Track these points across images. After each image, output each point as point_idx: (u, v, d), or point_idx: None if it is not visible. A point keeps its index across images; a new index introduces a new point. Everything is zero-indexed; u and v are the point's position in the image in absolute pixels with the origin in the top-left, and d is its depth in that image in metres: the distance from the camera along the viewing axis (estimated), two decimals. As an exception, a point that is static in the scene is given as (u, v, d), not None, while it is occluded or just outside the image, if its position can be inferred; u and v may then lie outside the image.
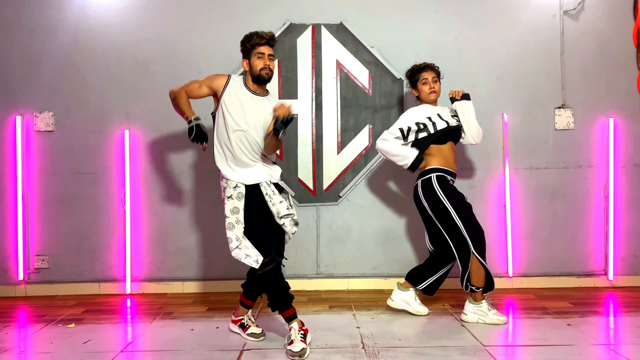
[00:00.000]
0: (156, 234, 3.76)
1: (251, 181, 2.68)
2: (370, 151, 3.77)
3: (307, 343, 2.56)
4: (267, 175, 2.72)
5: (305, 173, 3.77)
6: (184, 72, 3.72)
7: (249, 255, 2.60)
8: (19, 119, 3.66)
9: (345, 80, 3.76)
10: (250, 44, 2.71)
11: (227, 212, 2.64)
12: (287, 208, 2.70)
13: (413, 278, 3.20)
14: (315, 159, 3.77)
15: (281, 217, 2.68)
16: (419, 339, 2.74)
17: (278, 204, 2.68)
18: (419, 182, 3.06)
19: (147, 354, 2.61)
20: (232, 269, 3.77)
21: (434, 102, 3.14)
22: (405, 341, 2.70)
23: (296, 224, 2.78)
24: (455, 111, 3.13)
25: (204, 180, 3.74)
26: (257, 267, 2.58)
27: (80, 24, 3.70)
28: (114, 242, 3.74)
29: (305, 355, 2.48)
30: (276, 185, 2.77)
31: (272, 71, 2.72)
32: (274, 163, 2.83)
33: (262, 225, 2.66)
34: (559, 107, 3.78)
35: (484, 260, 2.96)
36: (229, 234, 2.62)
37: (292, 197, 3.74)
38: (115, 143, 3.73)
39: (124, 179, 3.71)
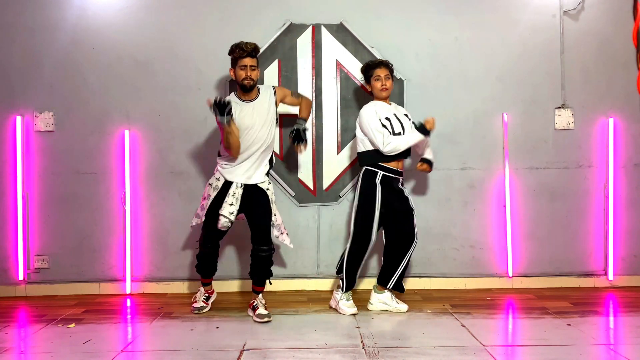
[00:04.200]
0: (156, 234, 3.76)
1: (229, 178, 3.07)
2: (370, 151, 3.77)
3: (209, 303, 3.31)
4: (244, 177, 3.08)
5: (305, 173, 3.77)
6: (184, 72, 3.73)
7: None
8: (19, 119, 3.66)
9: (345, 80, 3.76)
10: (233, 56, 3.06)
11: (205, 193, 3.19)
12: (230, 213, 3.03)
13: (381, 279, 3.28)
14: (315, 159, 3.77)
15: (220, 214, 3.04)
16: (419, 339, 2.74)
17: (228, 205, 3.03)
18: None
19: (147, 354, 2.61)
20: (232, 269, 3.78)
21: (385, 99, 3.25)
22: (405, 341, 2.70)
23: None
24: (407, 114, 3.30)
25: (204, 180, 3.74)
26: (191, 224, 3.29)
27: (80, 24, 3.70)
28: (114, 242, 3.74)
29: (204, 311, 3.23)
30: (255, 186, 3.11)
31: (253, 80, 3.06)
32: (271, 164, 3.21)
33: (216, 216, 3.07)
34: (559, 107, 3.78)
35: (350, 258, 3.23)
36: (199, 210, 3.21)
37: (293, 197, 3.74)
38: (115, 143, 3.73)
39: (124, 179, 3.71)
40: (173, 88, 3.73)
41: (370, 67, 3.24)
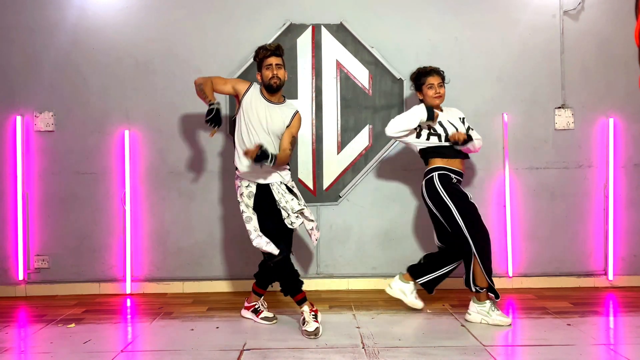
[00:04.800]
0: (156, 234, 3.76)
1: (262, 181, 2.93)
2: (370, 151, 3.77)
3: (319, 321, 2.84)
4: (277, 176, 2.95)
5: (305, 173, 3.77)
6: (184, 72, 3.73)
7: (269, 243, 2.84)
8: (19, 119, 3.66)
9: (345, 80, 3.76)
10: (258, 57, 2.95)
11: (243, 207, 2.93)
12: (299, 204, 2.94)
13: (413, 270, 3.20)
14: (315, 159, 3.77)
15: (294, 212, 2.91)
16: (419, 339, 2.74)
17: (290, 202, 2.92)
18: (423, 182, 3.10)
19: (147, 354, 2.61)
20: (232, 269, 3.78)
21: (438, 107, 3.13)
22: (405, 341, 2.70)
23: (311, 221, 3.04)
24: (463, 118, 3.20)
25: (204, 180, 3.74)
26: (276, 253, 2.83)
27: (80, 24, 3.70)
28: (114, 242, 3.74)
29: (320, 334, 2.77)
30: (286, 186, 2.98)
31: (280, 79, 2.93)
32: (287, 166, 3.04)
33: (271, 222, 2.90)
34: (559, 107, 3.78)
35: (487, 262, 2.95)
36: (247, 226, 2.89)
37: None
38: (115, 143, 3.73)
39: (124, 179, 3.71)
40: (173, 88, 3.73)
41: (422, 74, 3.11)
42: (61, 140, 3.71)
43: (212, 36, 3.73)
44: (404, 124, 3.04)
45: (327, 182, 3.78)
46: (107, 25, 3.71)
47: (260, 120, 2.91)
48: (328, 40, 3.75)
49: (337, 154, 3.78)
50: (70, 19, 3.70)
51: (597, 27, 3.78)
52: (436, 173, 3.04)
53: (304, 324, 2.82)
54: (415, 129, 3.07)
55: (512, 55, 3.78)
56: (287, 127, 2.98)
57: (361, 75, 3.76)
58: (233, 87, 2.98)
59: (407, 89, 3.74)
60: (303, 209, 2.94)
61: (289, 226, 2.91)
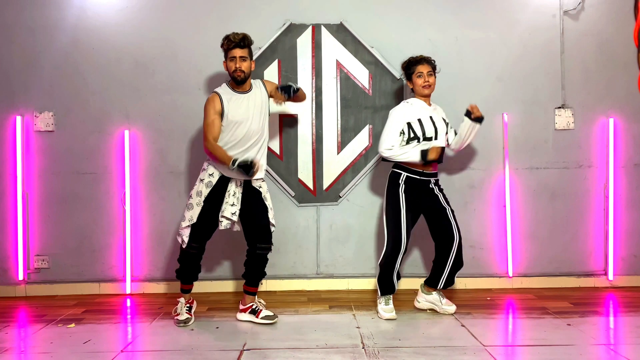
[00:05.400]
0: (156, 234, 3.76)
1: (225, 173, 2.96)
2: (370, 151, 3.77)
3: (192, 314, 3.08)
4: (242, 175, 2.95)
5: (305, 173, 3.77)
6: (184, 72, 3.73)
7: (187, 238, 3.01)
8: (19, 119, 3.66)
9: (345, 80, 3.76)
10: (223, 48, 2.95)
11: (193, 192, 3.00)
12: (233, 214, 2.97)
13: (430, 281, 3.23)
14: (315, 159, 3.77)
15: (223, 216, 2.99)
16: (419, 339, 2.74)
17: (229, 205, 2.98)
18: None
19: (147, 354, 2.61)
20: (232, 269, 3.78)
21: (427, 97, 3.14)
22: (405, 341, 2.70)
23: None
24: (445, 119, 3.22)
25: (204, 180, 3.74)
26: (184, 246, 3.02)
27: (80, 24, 3.70)
28: (114, 242, 3.74)
29: (189, 324, 2.98)
30: (245, 188, 3.02)
31: (244, 72, 2.94)
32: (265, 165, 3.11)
33: (211, 217, 2.99)
34: (559, 107, 3.78)
35: (382, 262, 3.12)
36: (186, 212, 3.00)
37: (293, 197, 3.74)
38: (115, 143, 3.73)
39: (124, 179, 3.71)
40: (173, 88, 3.73)
41: (412, 63, 3.12)
42: (61, 140, 3.71)
43: (212, 36, 3.71)
44: (397, 157, 3.06)
45: (327, 182, 3.78)
46: (107, 25, 3.71)
47: (242, 117, 2.94)
48: (328, 40, 3.75)
49: (337, 154, 3.78)
50: (70, 19, 3.70)
51: (597, 27, 3.77)
52: (390, 171, 3.17)
53: (175, 313, 3.06)
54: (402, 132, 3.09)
55: (512, 55, 3.78)
56: (268, 96, 3.08)
57: (361, 75, 3.76)
58: (217, 114, 2.93)
59: (407, 89, 3.73)
60: (234, 220, 3.01)
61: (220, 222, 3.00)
